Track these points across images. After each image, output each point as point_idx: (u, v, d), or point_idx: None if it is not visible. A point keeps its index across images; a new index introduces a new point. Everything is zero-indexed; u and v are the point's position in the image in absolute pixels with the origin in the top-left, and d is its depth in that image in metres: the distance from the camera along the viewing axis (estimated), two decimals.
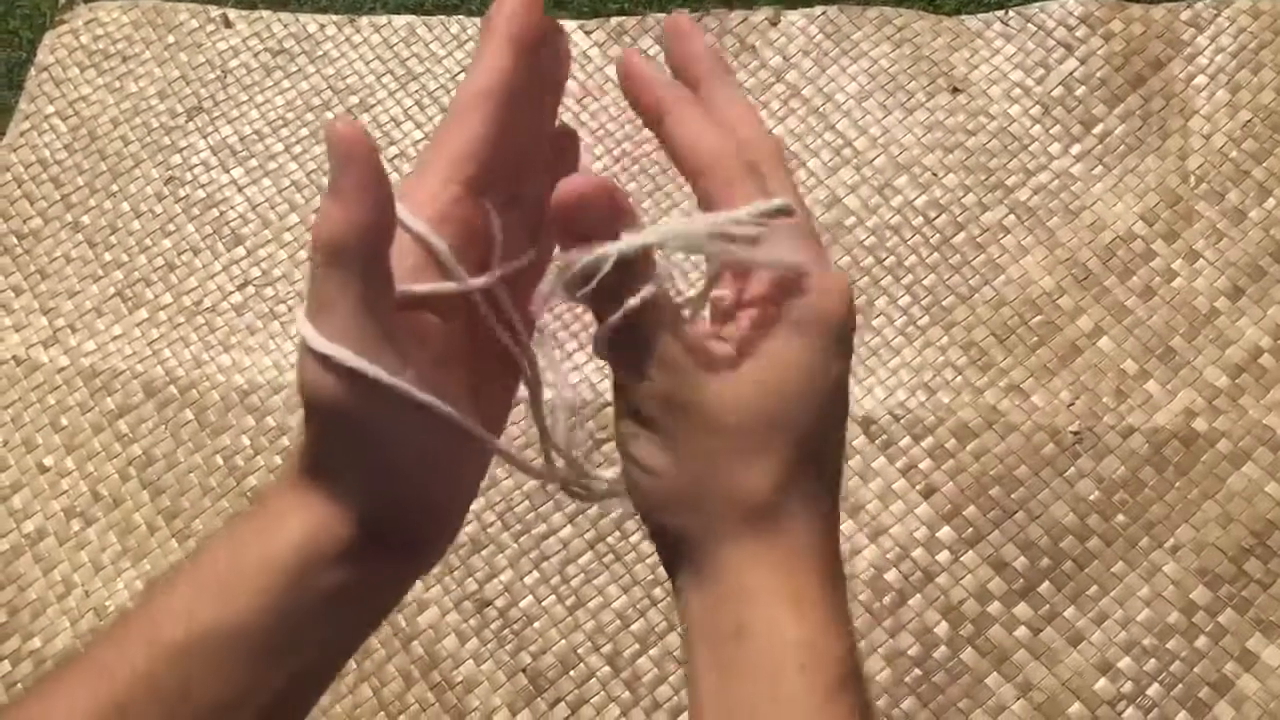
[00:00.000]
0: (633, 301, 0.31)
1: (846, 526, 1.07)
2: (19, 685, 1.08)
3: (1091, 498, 1.06)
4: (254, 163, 1.32)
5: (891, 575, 1.05)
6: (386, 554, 0.34)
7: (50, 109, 1.38)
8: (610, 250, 0.30)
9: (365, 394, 0.30)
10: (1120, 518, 1.05)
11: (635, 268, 0.31)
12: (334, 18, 1.40)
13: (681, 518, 0.32)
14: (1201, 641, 1.00)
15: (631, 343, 0.32)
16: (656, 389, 0.32)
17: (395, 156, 1.31)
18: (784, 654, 0.30)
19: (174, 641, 0.31)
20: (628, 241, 0.30)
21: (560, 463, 0.39)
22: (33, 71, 1.41)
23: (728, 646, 0.31)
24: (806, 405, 0.32)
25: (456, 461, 0.35)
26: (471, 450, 0.35)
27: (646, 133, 1.07)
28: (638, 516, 1.06)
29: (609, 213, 0.30)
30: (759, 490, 0.31)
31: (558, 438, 0.38)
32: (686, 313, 0.33)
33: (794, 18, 1.32)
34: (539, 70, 0.35)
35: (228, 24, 1.41)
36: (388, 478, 0.32)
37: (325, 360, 0.30)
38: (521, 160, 0.35)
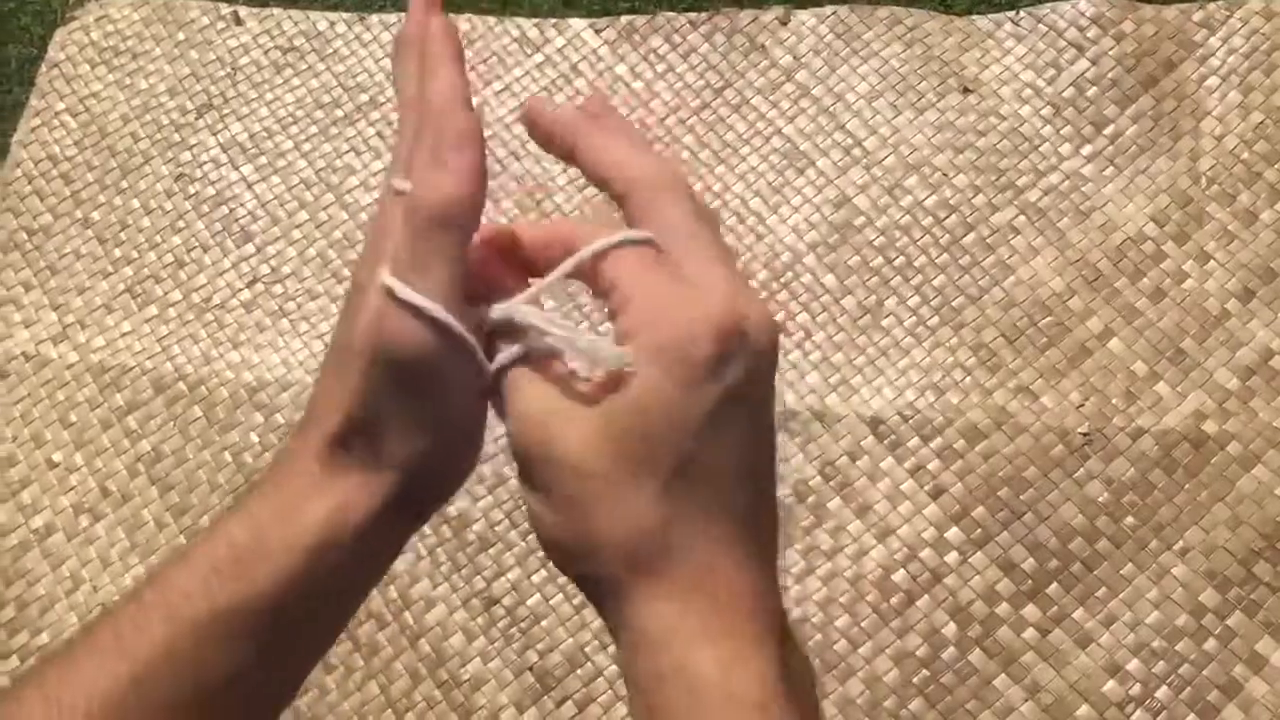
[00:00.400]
0: (494, 364, 0.33)
1: (854, 527, 1.07)
2: None
3: (1101, 499, 1.06)
4: (264, 160, 1.32)
5: (899, 576, 1.05)
6: (414, 518, 0.35)
7: (61, 105, 1.38)
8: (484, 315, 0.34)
9: (444, 348, 0.32)
10: (1129, 520, 1.05)
11: (507, 329, 0.33)
12: (344, 15, 1.40)
13: (581, 568, 0.32)
14: (1210, 644, 1.00)
15: (502, 402, 0.33)
16: (521, 444, 0.32)
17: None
18: (706, 695, 0.30)
19: (193, 618, 0.32)
20: (496, 309, 0.34)
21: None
22: (43, 68, 1.41)
23: (653, 694, 0.31)
24: (671, 439, 0.30)
25: (481, 422, 0.36)
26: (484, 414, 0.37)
27: (655, 131, 1.07)
28: None
29: (493, 269, 0.33)
30: (637, 531, 0.30)
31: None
32: (569, 360, 0.34)
33: (804, 17, 1.32)
34: None
35: (238, 21, 1.42)
36: (436, 429, 0.34)
37: (417, 312, 0.32)
38: None
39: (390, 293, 0.32)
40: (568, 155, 0.35)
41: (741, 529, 0.32)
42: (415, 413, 0.33)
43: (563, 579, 1.08)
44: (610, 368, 0.31)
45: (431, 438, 0.34)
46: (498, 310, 0.34)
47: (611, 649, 1.05)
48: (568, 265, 0.33)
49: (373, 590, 0.37)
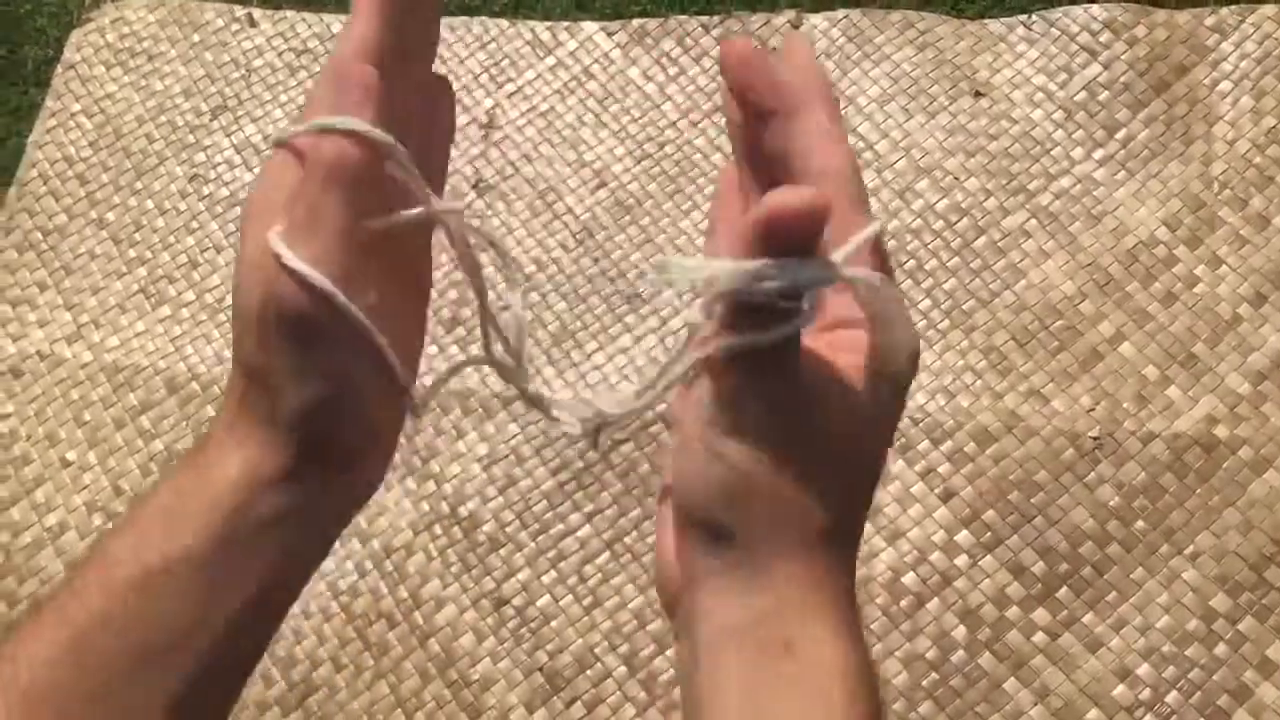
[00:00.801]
0: (787, 329, 0.30)
1: (864, 529, 1.07)
2: None
3: (1111, 503, 1.05)
4: None
5: (909, 579, 1.05)
6: (323, 472, 0.35)
7: (76, 107, 1.39)
8: (814, 277, 0.30)
9: (329, 314, 0.32)
10: (1140, 524, 1.04)
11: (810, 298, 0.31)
12: None
13: (742, 517, 0.32)
14: (1221, 649, 0.99)
15: (764, 359, 0.31)
16: (777, 401, 0.31)
17: None
18: (833, 679, 0.31)
19: (125, 579, 0.32)
20: (818, 274, 0.29)
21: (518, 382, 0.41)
22: (59, 69, 1.42)
23: (770, 659, 0.31)
24: (873, 448, 0.33)
25: (386, 380, 0.36)
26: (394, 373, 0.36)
27: (666, 133, 1.07)
28: (652, 518, 1.05)
29: (814, 233, 0.29)
30: (827, 517, 0.32)
31: (510, 335, 0.40)
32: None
33: (816, 20, 1.32)
34: (407, 32, 0.36)
35: (252, 23, 1.42)
36: (330, 386, 0.33)
37: (301, 280, 0.32)
38: (399, 116, 0.36)
39: (278, 257, 0.32)
40: (756, 116, 0.34)
41: (860, 535, 0.34)
42: (306, 369, 0.33)
43: (573, 579, 1.08)
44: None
45: (325, 394, 0.34)
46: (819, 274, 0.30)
47: (621, 649, 1.05)
48: (851, 246, 0.32)
49: (327, 553, 0.38)
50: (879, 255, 0.33)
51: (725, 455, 0.32)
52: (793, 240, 0.28)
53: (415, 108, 0.39)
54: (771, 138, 0.33)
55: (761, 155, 0.34)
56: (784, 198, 0.28)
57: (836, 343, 0.33)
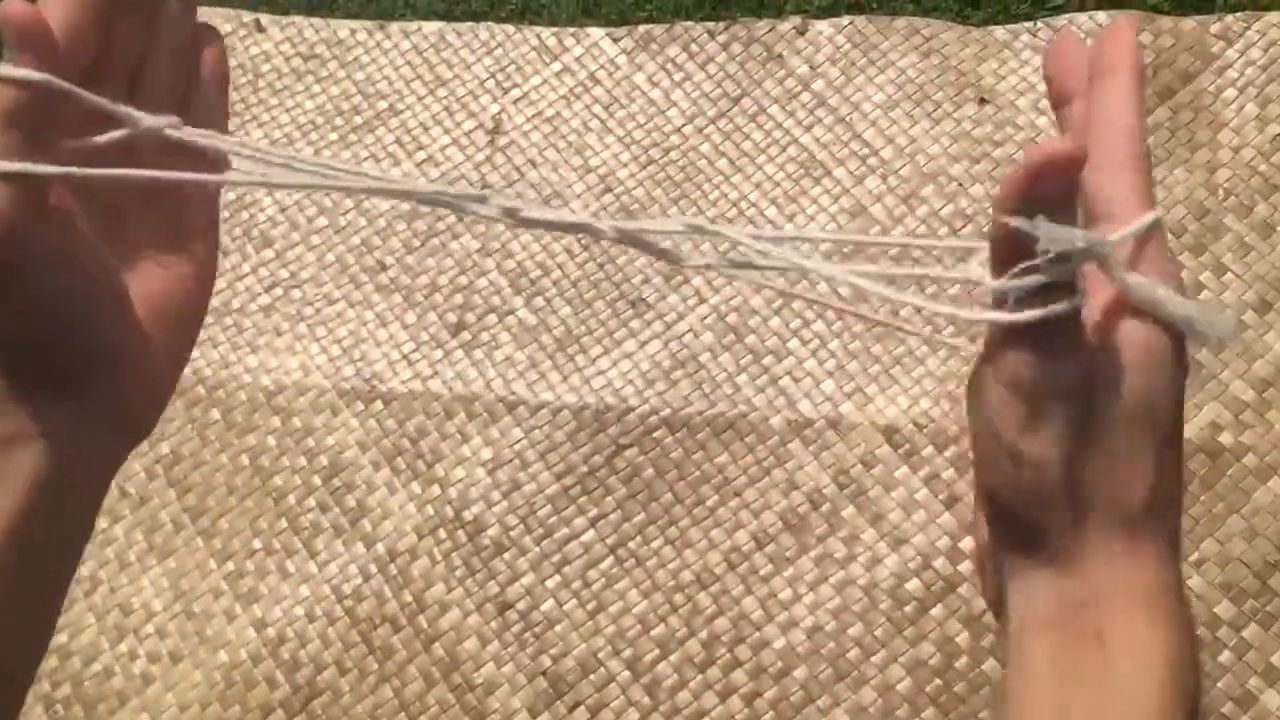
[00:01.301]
0: (1069, 306, 0.31)
1: (868, 535, 1.07)
2: (44, 679, 1.09)
3: None
4: None
5: (913, 584, 1.05)
6: (41, 398, 0.35)
7: None
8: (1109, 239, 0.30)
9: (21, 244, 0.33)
10: None
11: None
12: (365, 23, 1.42)
13: (1050, 515, 0.32)
14: (1225, 656, 0.99)
15: (1052, 335, 0.31)
16: (1069, 387, 0.31)
17: (423, 161, 1.32)
18: (1143, 670, 0.30)
19: None
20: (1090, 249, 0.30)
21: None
22: None
23: (1080, 650, 0.31)
24: (1168, 413, 0.33)
25: (108, 308, 0.36)
26: (117, 297, 0.37)
27: (672, 139, 1.08)
28: (656, 523, 1.04)
29: (1068, 178, 0.30)
30: (1138, 498, 0.32)
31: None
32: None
33: (821, 27, 1.33)
34: None
35: (259, 28, 1.43)
36: (34, 303, 0.34)
37: None
38: (124, 50, 0.37)
39: None
40: (1059, 100, 0.35)
41: (1179, 520, 0.34)
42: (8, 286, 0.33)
43: (577, 584, 1.08)
44: (1218, 338, 0.32)
45: (33, 304, 0.34)
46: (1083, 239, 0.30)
47: (624, 654, 1.06)
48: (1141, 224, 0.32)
49: (93, 510, 0.40)
50: (1158, 250, 0.33)
51: (1026, 455, 0.31)
52: (1048, 186, 0.29)
53: (155, 47, 0.39)
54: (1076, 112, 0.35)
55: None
56: (1041, 147, 0.29)
57: (1111, 308, 0.33)
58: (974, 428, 0.34)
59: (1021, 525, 0.32)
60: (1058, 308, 0.30)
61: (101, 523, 1.16)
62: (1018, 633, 0.32)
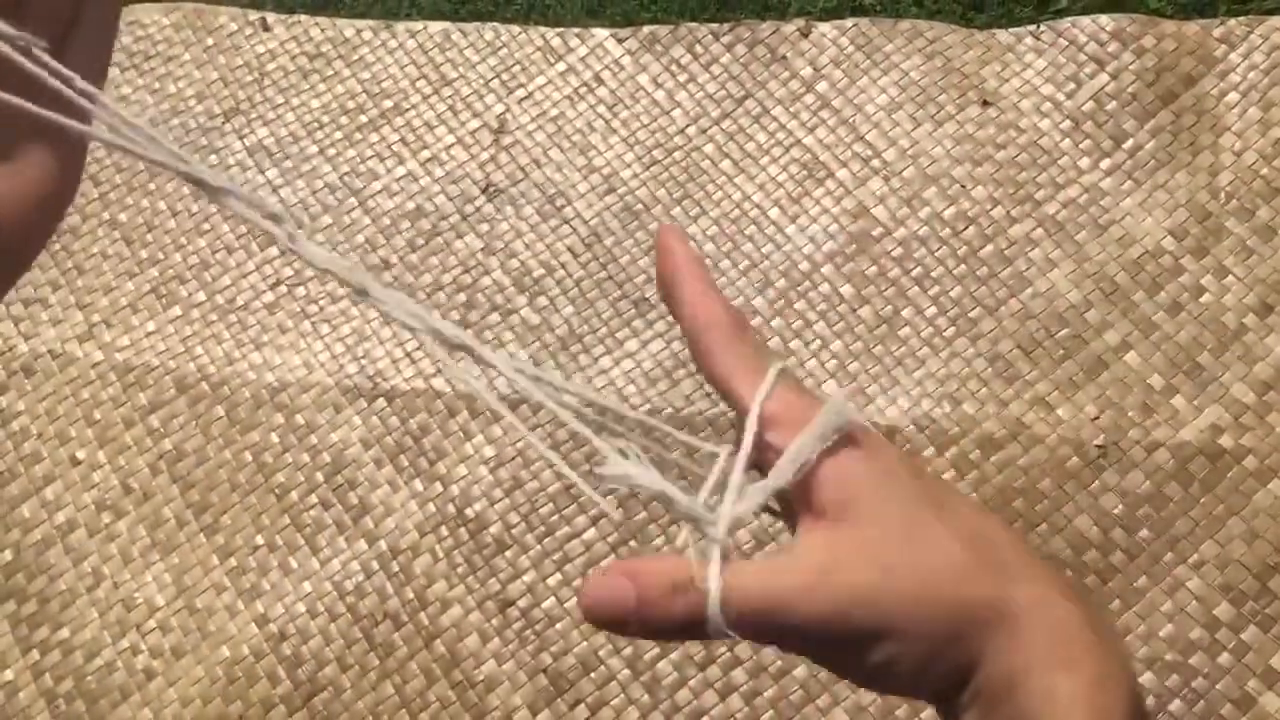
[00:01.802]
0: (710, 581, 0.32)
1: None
2: (47, 674, 1.10)
3: (1115, 512, 1.06)
4: (289, 164, 1.34)
5: None
6: None
7: None
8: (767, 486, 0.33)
9: None
10: (1144, 532, 1.05)
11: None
12: (370, 23, 1.42)
13: (951, 650, 0.32)
14: (1224, 658, 0.99)
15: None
16: (851, 623, 0.32)
17: (428, 160, 1.32)
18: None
19: None
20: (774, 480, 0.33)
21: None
22: None
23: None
24: (943, 527, 0.33)
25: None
26: None
27: (675, 140, 1.08)
28: (657, 521, 1.05)
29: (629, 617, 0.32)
30: (989, 596, 0.33)
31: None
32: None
33: (825, 29, 1.33)
34: None
35: (266, 28, 1.43)
36: None
37: None
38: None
39: None
40: (669, 289, 0.37)
41: None
42: None
43: (577, 582, 1.09)
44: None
45: None
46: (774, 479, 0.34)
47: (625, 652, 1.06)
48: (789, 469, 0.33)
49: None
50: (789, 392, 0.35)
51: (883, 671, 0.32)
52: (616, 626, 0.32)
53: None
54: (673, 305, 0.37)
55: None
56: (581, 598, 0.32)
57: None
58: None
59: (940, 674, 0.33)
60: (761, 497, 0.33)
61: (105, 518, 1.16)
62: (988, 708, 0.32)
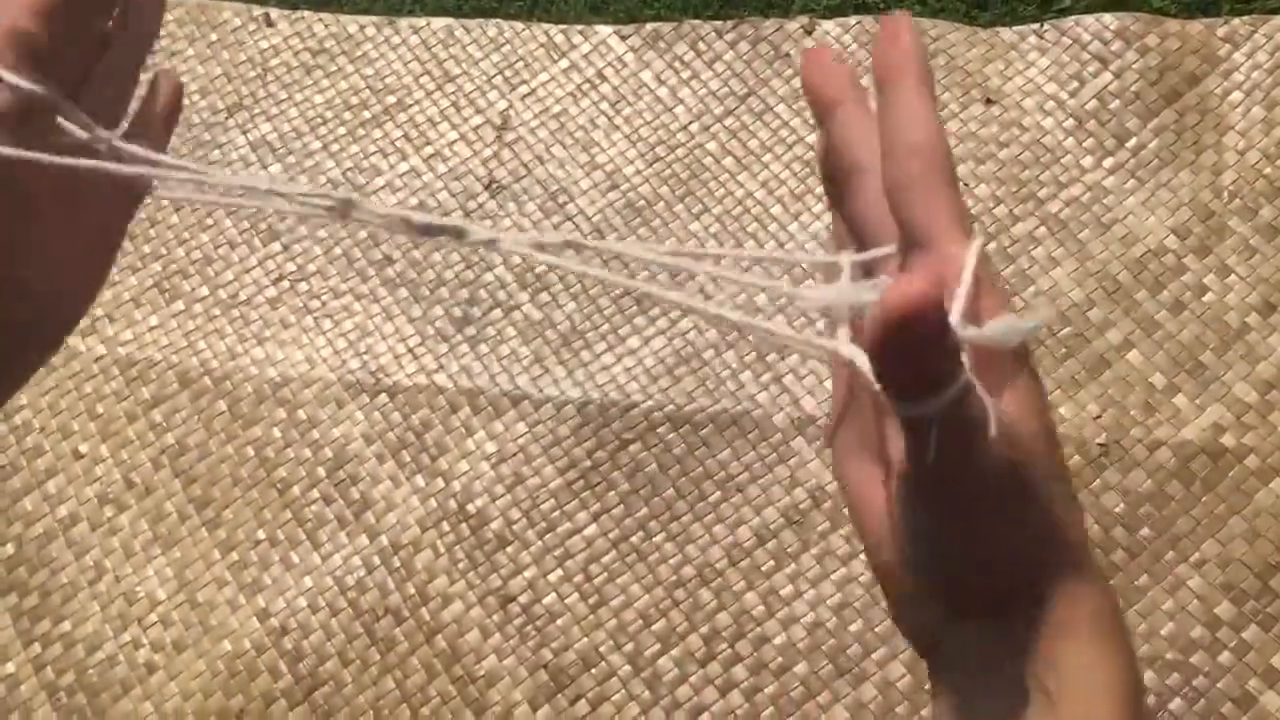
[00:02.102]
0: (951, 393, 0.27)
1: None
2: (49, 666, 1.10)
3: (1117, 510, 1.06)
4: (292, 159, 1.34)
5: None
6: None
7: None
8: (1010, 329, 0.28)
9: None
10: (1145, 531, 1.05)
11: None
12: (374, 19, 1.42)
13: (1012, 572, 0.31)
14: (1225, 657, 0.99)
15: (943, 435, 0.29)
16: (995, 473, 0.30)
17: (431, 156, 1.32)
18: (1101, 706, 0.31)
19: None
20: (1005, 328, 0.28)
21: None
22: None
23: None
24: (1049, 470, 0.31)
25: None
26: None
27: (678, 137, 1.08)
28: (658, 518, 1.05)
29: (938, 331, 0.26)
30: (1055, 553, 0.31)
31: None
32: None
33: (829, 26, 1.33)
34: None
35: (269, 23, 1.44)
36: None
37: None
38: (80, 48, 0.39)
39: None
40: (828, 114, 0.33)
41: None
42: None
43: (579, 578, 1.09)
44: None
45: None
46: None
47: (625, 648, 1.06)
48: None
49: None
50: (988, 278, 0.30)
51: (980, 530, 0.30)
52: (918, 343, 0.26)
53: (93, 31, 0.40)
54: (842, 132, 0.33)
55: (839, 170, 0.33)
56: (895, 297, 0.25)
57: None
58: (922, 524, 0.31)
59: (975, 592, 0.31)
60: (940, 401, 0.27)
61: (107, 512, 1.16)
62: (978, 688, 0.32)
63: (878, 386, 0.27)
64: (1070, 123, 1.24)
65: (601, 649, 1.07)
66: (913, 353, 0.26)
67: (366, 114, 1.36)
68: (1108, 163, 1.21)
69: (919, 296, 0.24)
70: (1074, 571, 0.31)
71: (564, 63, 1.36)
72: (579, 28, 1.38)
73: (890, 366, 0.26)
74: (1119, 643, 0.31)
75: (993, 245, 1.19)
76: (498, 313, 1.23)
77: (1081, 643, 0.30)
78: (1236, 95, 1.22)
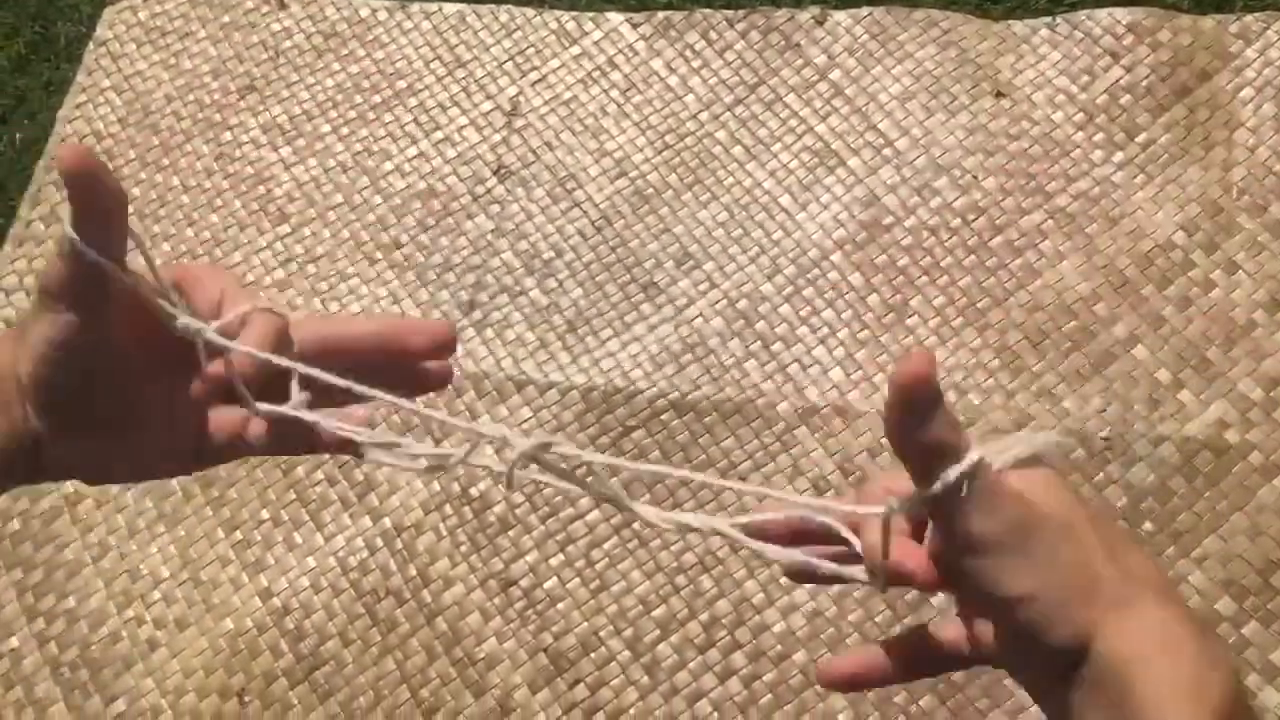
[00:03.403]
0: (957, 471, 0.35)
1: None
2: (52, 642, 1.11)
3: (1119, 505, 1.06)
4: (302, 142, 1.35)
5: None
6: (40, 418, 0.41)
7: (106, 83, 1.41)
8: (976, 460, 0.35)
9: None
10: (1147, 525, 1.05)
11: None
12: (386, 3, 1.43)
13: (1075, 616, 0.35)
14: None
15: (965, 500, 0.36)
16: (1005, 523, 0.36)
17: (440, 141, 1.32)
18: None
19: None
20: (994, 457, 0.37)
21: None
22: (91, 45, 1.44)
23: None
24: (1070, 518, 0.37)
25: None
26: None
27: (688, 125, 1.08)
28: (661, 504, 1.05)
29: (931, 394, 0.35)
30: (1113, 592, 0.36)
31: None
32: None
33: (840, 17, 1.33)
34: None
35: (282, 6, 1.44)
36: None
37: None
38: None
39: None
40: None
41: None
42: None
43: (580, 563, 1.09)
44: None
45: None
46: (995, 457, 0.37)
47: (625, 633, 1.06)
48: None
49: None
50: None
51: (1009, 589, 0.36)
52: (924, 403, 0.34)
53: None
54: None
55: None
56: (902, 372, 0.34)
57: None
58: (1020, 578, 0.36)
59: (1058, 643, 0.36)
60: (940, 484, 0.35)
61: (112, 489, 1.17)
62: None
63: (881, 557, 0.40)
64: (1080, 117, 1.23)
65: (601, 634, 1.07)
66: (921, 411, 0.34)
67: (377, 98, 1.37)
68: (1117, 157, 1.21)
69: (921, 360, 0.34)
70: (1110, 607, 0.35)
71: (575, 50, 1.36)
72: (590, 15, 1.38)
73: (905, 430, 0.35)
74: (1184, 643, 0.35)
75: (1000, 238, 1.19)
76: (504, 298, 1.23)
77: (1143, 662, 0.34)
78: (1248, 92, 1.21)
